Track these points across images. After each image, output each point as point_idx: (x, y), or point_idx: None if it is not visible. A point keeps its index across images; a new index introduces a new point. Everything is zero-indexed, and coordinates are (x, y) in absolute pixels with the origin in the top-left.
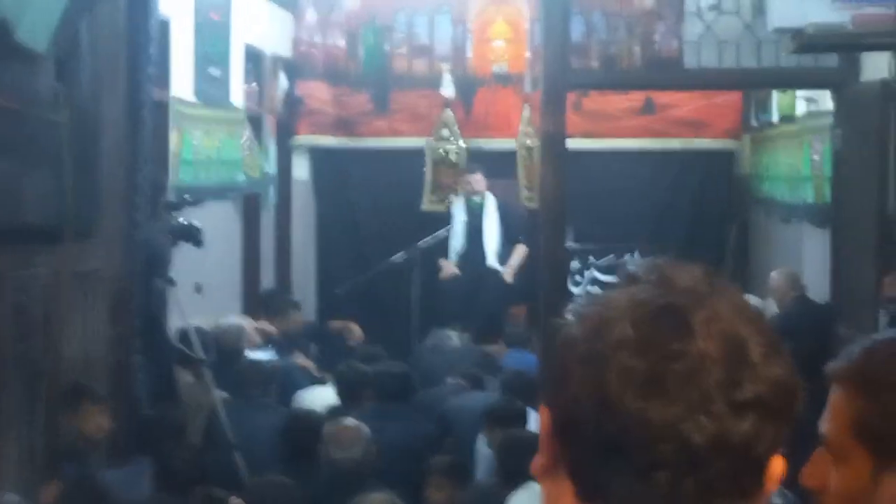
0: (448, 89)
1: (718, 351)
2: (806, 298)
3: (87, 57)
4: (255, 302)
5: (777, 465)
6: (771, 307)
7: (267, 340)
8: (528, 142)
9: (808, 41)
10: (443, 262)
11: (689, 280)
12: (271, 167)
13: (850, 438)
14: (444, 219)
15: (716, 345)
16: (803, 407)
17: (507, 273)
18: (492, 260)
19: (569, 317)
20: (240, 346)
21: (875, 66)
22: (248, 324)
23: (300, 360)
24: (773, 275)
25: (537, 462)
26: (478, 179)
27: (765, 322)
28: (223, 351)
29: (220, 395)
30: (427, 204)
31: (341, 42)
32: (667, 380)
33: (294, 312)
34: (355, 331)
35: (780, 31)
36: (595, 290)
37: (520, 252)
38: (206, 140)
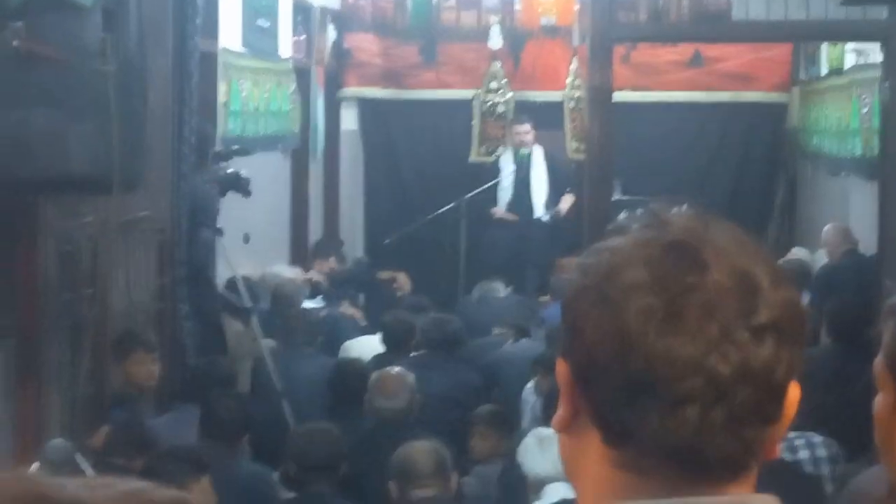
0: (496, 41)
1: (731, 281)
2: (855, 252)
3: (135, 8)
4: (303, 252)
5: (795, 392)
6: (821, 260)
7: (315, 290)
8: (576, 94)
9: None
10: (495, 210)
11: (685, 220)
12: (319, 118)
13: (884, 369)
14: (492, 170)
15: (727, 276)
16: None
17: (557, 212)
18: (539, 211)
19: (573, 271)
20: (295, 297)
21: None
22: (296, 273)
23: (348, 309)
24: (826, 229)
25: (558, 416)
26: (526, 131)
27: (764, 253)
28: (277, 300)
29: (267, 343)
30: (475, 155)
31: None
32: (687, 314)
33: (336, 256)
34: (403, 281)
35: None
36: None
37: (567, 200)
38: (254, 91)
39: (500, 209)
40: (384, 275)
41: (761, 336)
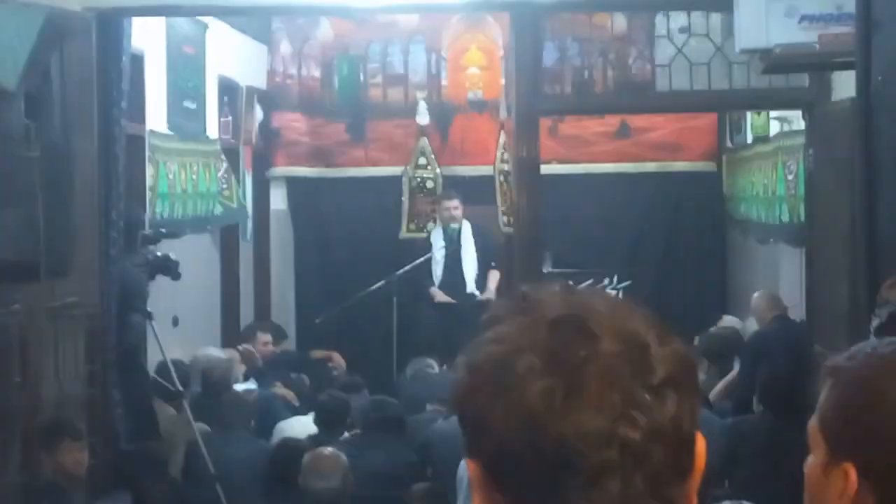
0: (423, 117)
1: (621, 346)
2: (784, 318)
3: (58, 93)
4: (235, 333)
5: (701, 441)
6: (752, 327)
7: (248, 371)
8: (505, 167)
9: (775, 62)
10: (433, 290)
11: (558, 295)
12: (247, 198)
13: (817, 429)
14: (423, 247)
15: (616, 341)
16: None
17: (486, 292)
18: (471, 287)
19: (459, 370)
20: (227, 379)
21: (845, 85)
22: (229, 354)
23: (280, 390)
24: (755, 296)
25: None
26: (454, 206)
27: (640, 311)
28: (209, 383)
29: (200, 427)
30: (405, 232)
31: (316, 73)
32: (587, 387)
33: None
34: (338, 360)
35: (748, 52)
36: None
37: (494, 277)
38: (181, 173)
39: (438, 291)
40: (317, 354)
41: (662, 394)
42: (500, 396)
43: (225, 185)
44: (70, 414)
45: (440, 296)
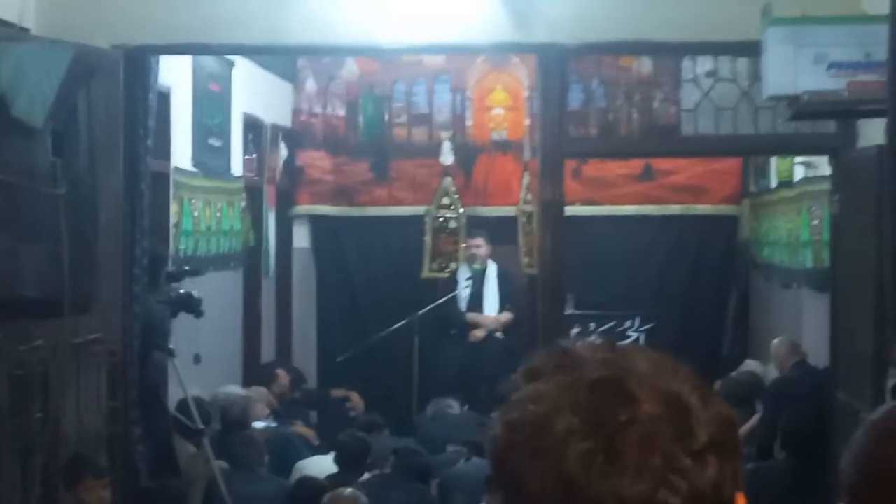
0: (447, 157)
1: (662, 408)
2: (805, 364)
3: (85, 130)
4: (256, 371)
5: (741, 501)
6: (773, 372)
7: (273, 410)
8: (528, 208)
9: (802, 108)
10: (468, 315)
11: (599, 352)
12: (271, 236)
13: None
14: (444, 286)
15: (657, 403)
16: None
17: (488, 319)
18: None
19: (496, 426)
20: (245, 417)
21: (871, 132)
22: (256, 394)
23: (300, 428)
24: (775, 342)
25: None
26: (478, 245)
27: (685, 369)
28: (227, 421)
29: (220, 464)
30: (427, 271)
31: (341, 111)
32: (627, 451)
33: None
34: (356, 400)
35: (776, 98)
36: None
37: (505, 316)
38: (206, 210)
39: (472, 314)
40: (337, 393)
41: (703, 458)
42: (537, 458)
43: (243, 224)
44: (92, 451)
45: (475, 316)
